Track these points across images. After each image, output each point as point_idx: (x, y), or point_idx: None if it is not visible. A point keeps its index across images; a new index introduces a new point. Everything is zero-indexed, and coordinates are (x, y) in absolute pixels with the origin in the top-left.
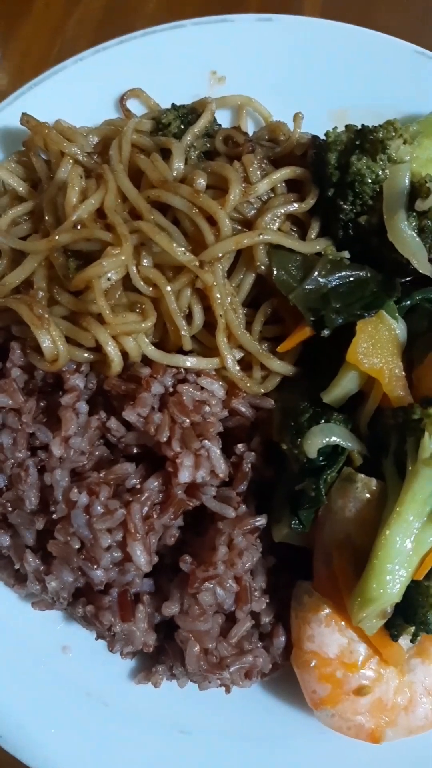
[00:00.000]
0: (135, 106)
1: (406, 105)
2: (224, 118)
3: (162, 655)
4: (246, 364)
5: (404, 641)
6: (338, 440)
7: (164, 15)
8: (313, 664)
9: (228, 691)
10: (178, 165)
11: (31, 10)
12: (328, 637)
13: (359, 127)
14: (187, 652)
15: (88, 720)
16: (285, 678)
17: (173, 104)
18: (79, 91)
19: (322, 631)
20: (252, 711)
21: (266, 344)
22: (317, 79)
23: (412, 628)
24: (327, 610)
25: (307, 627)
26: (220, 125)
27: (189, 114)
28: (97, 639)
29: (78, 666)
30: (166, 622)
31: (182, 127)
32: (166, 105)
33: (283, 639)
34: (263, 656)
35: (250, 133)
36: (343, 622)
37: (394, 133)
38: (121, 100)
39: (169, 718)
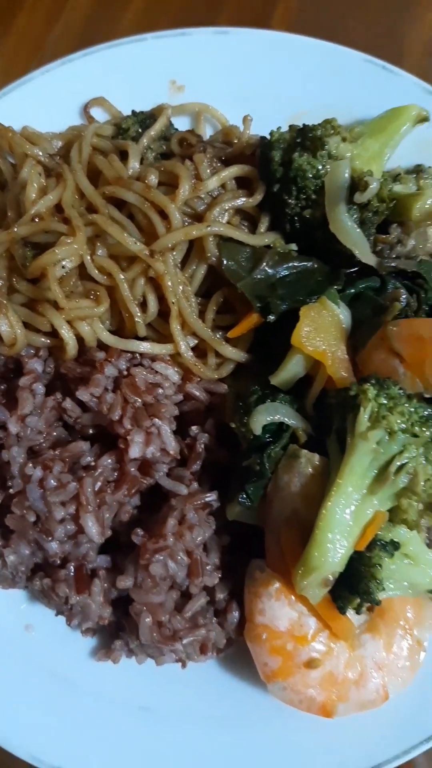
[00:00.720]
0: (99, 114)
1: (356, 110)
2: (184, 124)
3: (120, 631)
4: (201, 351)
5: (356, 618)
6: (282, 418)
7: (142, 27)
8: (264, 637)
9: (184, 665)
10: (134, 165)
11: (12, 26)
12: (279, 610)
13: (301, 126)
14: (141, 623)
15: (50, 698)
16: (241, 655)
17: (133, 111)
18: (45, 100)
19: (272, 605)
20: (209, 688)
21: (220, 333)
22: (272, 87)
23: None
24: (277, 585)
25: (258, 601)
26: (176, 129)
27: (147, 119)
28: (57, 615)
29: (41, 644)
30: (124, 598)
31: (140, 131)
32: (128, 112)
33: (236, 614)
34: (217, 630)
35: (208, 138)
36: (293, 597)
37: (332, 131)
38: (85, 108)
39: (130, 695)
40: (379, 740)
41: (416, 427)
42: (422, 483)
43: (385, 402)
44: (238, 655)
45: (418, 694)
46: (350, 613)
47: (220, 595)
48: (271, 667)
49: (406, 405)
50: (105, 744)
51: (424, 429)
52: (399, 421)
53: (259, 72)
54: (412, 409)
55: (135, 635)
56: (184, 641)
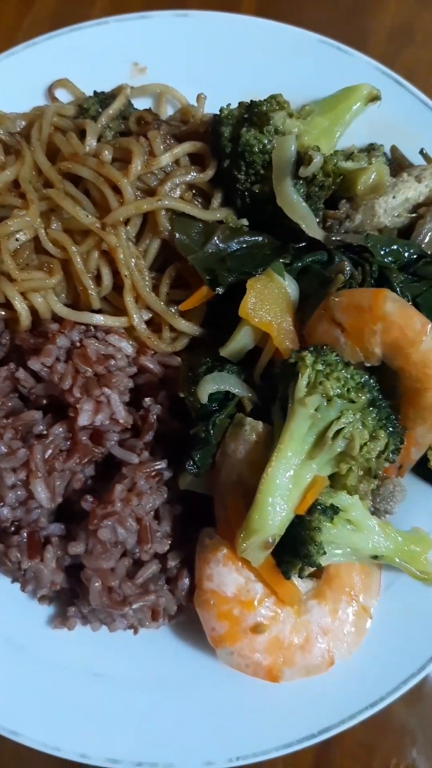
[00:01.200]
0: (63, 95)
1: (311, 90)
2: (147, 105)
3: (74, 599)
4: (156, 326)
5: (303, 585)
6: (228, 387)
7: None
8: (212, 602)
9: (135, 632)
10: (91, 142)
11: None
12: (226, 576)
13: (249, 102)
14: (91, 588)
15: (5, 664)
16: (193, 623)
17: (95, 91)
18: (11, 82)
19: (220, 571)
20: (161, 654)
21: (174, 307)
22: (230, 68)
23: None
24: (225, 551)
25: (207, 567)
26: (135, 109)
27: (108, 99)
28: (12, 582)
29: None
30: (78, 566)
31: (101, 110)
32: (92, 94)
33: (187, 581)
34: (167, 597)
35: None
36: (240, 563)
37: (277, 106)
38: (50, 90)
39: (84, 661)
40: (325, 705)
41: (352, 393)
42: (359, 447)
43: (322, 368)
44: (190, 623)
45: (364, 661)
46: (298, 580)
47: (172, 563)
48: (218, 632)
49: (343, 371)
50: (59, 709)
51: (360, 395)
52: (335, 386)
53: (218, 53)
54: (348, 376)
55: (87, 602)
56: (134, 606)
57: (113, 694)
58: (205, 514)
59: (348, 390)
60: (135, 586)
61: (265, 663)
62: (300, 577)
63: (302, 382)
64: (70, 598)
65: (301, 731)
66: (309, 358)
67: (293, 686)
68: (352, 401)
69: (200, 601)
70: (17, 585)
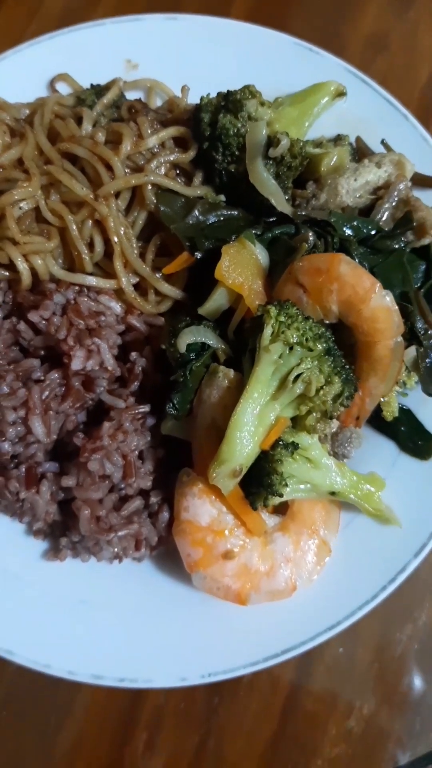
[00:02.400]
0: (63, 88)
1: (284, 86)
2: (138, 97)
3: (66, 531)
4: (143, 290)
5: (270, 521)
6: (205, 339)
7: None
8: (188, 531)
9: (120, 560)
10: (87, 127)
11: None
12: (201, 508)
13: (226, 92)
14: (80, 516)
15: (2, 592)
16: (171, 559)
17: (91, 84)
18: (16, 76)
19: (195, 503)
20: (142, 584)
21: (159, 274)
22: (213, 65)
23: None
24: (200, 485)
25: (184, 500)
26: (127, 99)
27: (103, 91)
28: (11, 518)
29: None
30: (70, 501)
31: (96, 101)
32: (88, 87)
33: (167, 515)
34: (149, 528)
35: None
36: (213, 496)
37: (250, 95)
38: (51, 83)
39: (72, 590)
40: (288, 628)
41: (310, 342)
42: (315, 390)
43: (284, 320)
44: (168, 557)
45: (324, 589)
46: (265, 515)
47: (154, 500)
48: (193, 557)
49: (302, 323)
50: (49, 631)
51: (317, 344)
52: (295, 335)
53: (202, 52)
54: (307, 327)
55: (77, 531)
56: (120, 534)
57: (98, 618)
58: (185, 459)
59: (306, 339)
60: (120, 517)
61: (235, 587)
62: (265, 505)
63: (267, 331)
64: (63, 531)
65: (267, 651)
66: (273, 311)
67: (259, 611)
68: (310, 349)
69: (178, 530)
70: (14, 523)
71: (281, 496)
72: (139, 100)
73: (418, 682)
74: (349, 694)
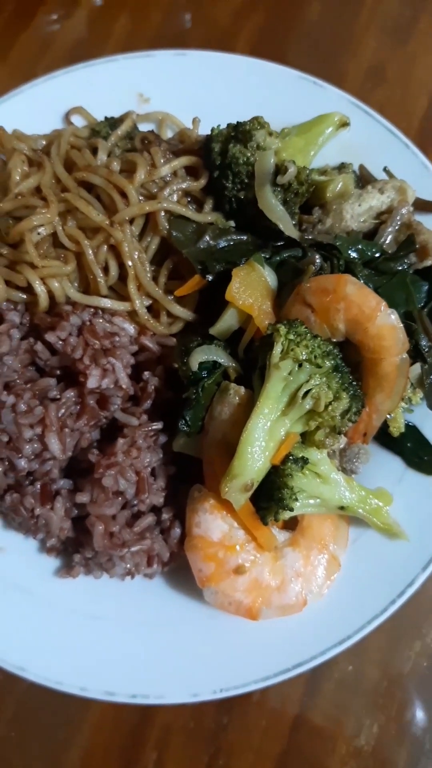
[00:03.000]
0: (78, 121)
1: (290, 117)
2: (150, 129)
3: (79, 547)
4: (155, 312)
5: (280, 536)
6: (216, 357)
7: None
8: (200, 546)
9: (133, 576)
10: (102, 157)
11: (7, 57)
12: (212, 523)
13: (236, 123)
14: (94, 532)
15: (17, 608)
16: (182, 575)
17: (105, 117)
18: (33, 109)
19: (207, 518)
20: (154, 600)
21: (171, 296)
22: (221, 98)
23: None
24: (212, 501)
25: (195, 515)
26: (141, 131)
27: (117, 123)
28: (25, 535)
29: (12, 564)
30: (83, 518)
31: (110, 132)
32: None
33: (178, 531)
34: (161, 544)
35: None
36: (225, 511)
37: (258, 126)
38: (67, 116)
39: (84, 606)
40: (299, 643)
41: (319, 359)
42: (324, 406)
43: (293, 338)
44: (179, 573)
45: (334, 603)
46: (275, 530)
47: (165, 516)
48: (205, 573)
49: (311, 341)
50: (61, 648)
51: (325, 361)
52: (304, 352)
53: (211, 86)
54: (315, 345)
55: (91, 547)
56: (132, 549)
57: (110, 634)
58: (195, 476)
59: (315, 356)
60: (133, 533)
61: (246, 602)
62: (275, 520)
63: (277, 349)
64: (76, 548)
65: (278, 666)
66: (283, 329)
67: (270, 626)
68: (319, 366)
69: (190, 546)
70: (28, 540)
71: (291, 510)
72: (151, 132)
73: (427, 699)
74: (358, 711)
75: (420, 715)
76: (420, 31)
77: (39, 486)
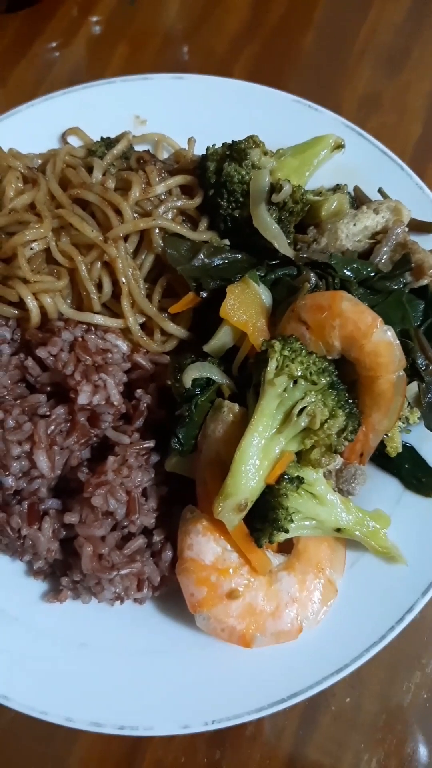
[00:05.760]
0: (74, 141)
1: (287, 141)
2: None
3: (67, 570)
4: (149, 330)
5: (275, 560)
6: (210, 374)
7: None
8: (192, 569)
9: (122, 601)
10: (97, 175)
11: (6, 85)
12: (205, 545)
13: (231, 142)
14: (83, 553)
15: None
16: (173, 601)
17: (101, 137)
18: (30, 129)
19: (199, 540)
20: (143, 627)
21: (165, 314)
22: (216, 121)
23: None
24: (204, 522)
25: (188, 537)
26: (137, 151)
27: (113, 143)
28: (11, 557)
29: None
30: (71, 540)
31: (106, 152)
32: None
33: (170, 553)
34: (151, 567)
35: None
36: (217, 533)
37: (253, 145)
38: (63, 136)
39: (72, 633)
40: (294, 672)
41: (314, 376)
42: (320, 424)
43: (288, 354)
44: (170, 599)
45: (330, 631)
46: (270, 554)
47: (157, 538)
48: (197, 597)
49: (306, 357)
50: (47, 676)
51: (321, 378)
52: (298, 369)
53: (207, 109)
54: (311, 361)
55: (79, 570)
56: (122, 572)
57: (98, 662)
58: (188, 497)
59: (310, 373)
60: (123, 555)
61: (239, 628)
62: (270, 542)
63: (272, 365)
64: (64, 571)
65: (272, 696)
66: (277, 345)
67: (264, 654)
68: (314, 383)
69: (181, 569)
70: (14, 563)
71: (287, 531)
72: (147, 152)
73: (428, 732)
74: (356, 746)
75: (421, 749)
76: (413, 60)
77: (26, 505)
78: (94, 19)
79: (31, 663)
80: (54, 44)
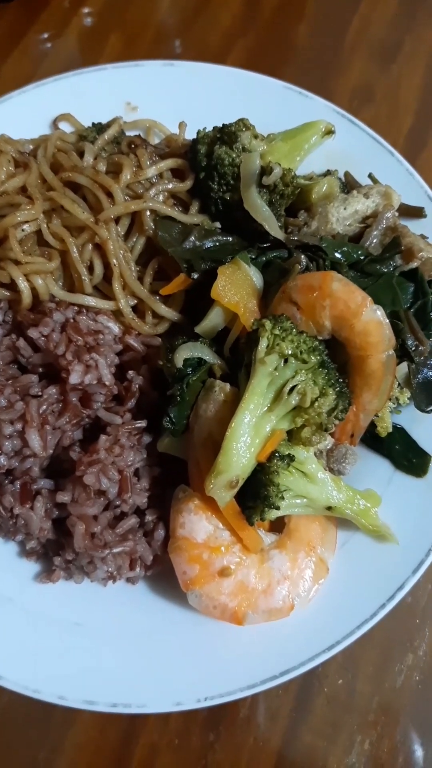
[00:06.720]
0: (66, 127)
1: (277, 127)
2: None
3: (59, 550)
4: (141, 312)
5: (267, 538)
6: (201, 354)
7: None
8: (184, 547)
9: (114, 580)
10: (89, 159)
11: (0, 71)
12: (197, 524)
13: (221, 125)
14: (75, 532)
15: None
16: (165, 580)
17: (93, 122)
18: (21, 115)
19: (191, 519)
20: (136, 606)
21: (156, 297)
22: (207, 107)
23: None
24: (197, 501)
25: (180, 516)
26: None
27: (104, 128)
28: (4, 538)
29: None
30: (64, 520)
31: (97, 137)
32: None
33: (162, 533)
34: (144, 546)
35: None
36: (210, 512)
37: (244, 128)
38: (54, 122)
39: (65, 612)
40: (286, 649)
41: (305, 355)
42: (310, 402)
43: (279, 333)
44: (162, 579)
45: (322, 609)
46: (262, 533)
47: (149, 518)
48: (189, 575)
49: (296, 336)
50: (40, 655)
51: (311, 356)
52: (289, 347)
53: (198, 96)
54: (301, 340)
55: (72, 549)
56: (114, 550)
57: (91, 641)
58: (180, 479)
59: (301, 352)
60: (115, 534)
61: (231, 605)
62: (261, 520)
63: (262, 344)
64: (56, 551)
65: (264, 673)
66: (268, 324)
67: (256, 631)
68: (305, 362)
69: (173, 547)
70: (7, 545)
71: (278, 508)
72: (138, 136)
73: (421, 714)
74: (349, 727)
75: (413, 730)
76: (405, 53)
77: (19, 485)
78: (86, 10)
79: (24, 642)
80: (46, 35)
